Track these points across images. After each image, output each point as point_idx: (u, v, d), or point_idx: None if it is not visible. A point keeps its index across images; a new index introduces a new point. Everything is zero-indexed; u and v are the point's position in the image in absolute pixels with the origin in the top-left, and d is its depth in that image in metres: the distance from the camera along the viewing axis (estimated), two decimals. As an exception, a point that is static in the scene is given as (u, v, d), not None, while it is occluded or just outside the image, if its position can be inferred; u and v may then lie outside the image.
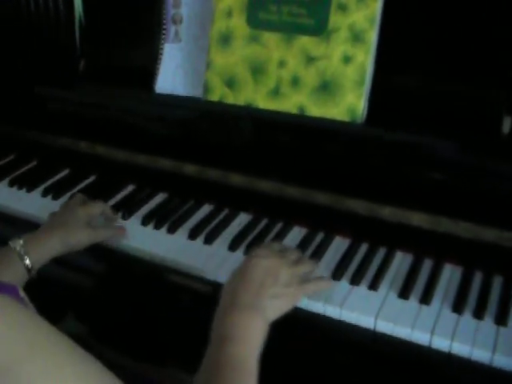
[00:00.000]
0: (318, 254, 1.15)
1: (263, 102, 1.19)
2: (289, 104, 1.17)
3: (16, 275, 1.05)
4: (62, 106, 1.46)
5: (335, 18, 1.12)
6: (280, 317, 0.94)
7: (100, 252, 1.21)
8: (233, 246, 1.18)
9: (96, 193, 1.36)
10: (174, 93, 1.31)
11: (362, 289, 1.06)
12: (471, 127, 1.08)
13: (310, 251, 1.16)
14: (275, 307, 0.93)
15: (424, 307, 1.01)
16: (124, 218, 1.29)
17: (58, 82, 1.45)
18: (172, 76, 1.31)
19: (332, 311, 1.02)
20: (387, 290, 1.06)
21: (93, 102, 1.42)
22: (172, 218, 1.27)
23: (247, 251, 1.16)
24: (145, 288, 1.24)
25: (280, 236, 1.21)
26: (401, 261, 1.13)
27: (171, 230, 1.24)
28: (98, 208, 1.23)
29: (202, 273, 1.13)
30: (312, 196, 1.19)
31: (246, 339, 0.87)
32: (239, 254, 1.17)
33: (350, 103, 1.12)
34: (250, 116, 1.22)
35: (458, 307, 1.00)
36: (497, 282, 1.06)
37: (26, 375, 0.59)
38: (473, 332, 0.95)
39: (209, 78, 1.23)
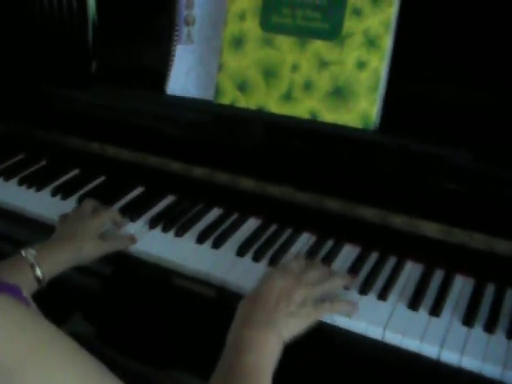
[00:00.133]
0: (326, 262, 1.13)
1: (275, 107, 1.18)
2: (301, 109, 1.15)
3: (26, 284, 1.04)
4: (73, 107, 1.46)
5: (350, 23, 1.10)
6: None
7: (108, 254, 1.19)
8: (241, 252, 1.17)
9: (105, 194, 1.36)
10: (186, 95, 1.30)
11: (371, 298, 1.04)
12: (487, 136, 1.05)
13: (318, 258, 1.14)
14: (290, 326, 0.93)
15: (434, 319, 0.99)
16: (132, 220, 1.28)
17: (69, 83, 1.45)
18: (184, 78, 1.30)
19: (340, 320, 1.00)
20: (396, 301, 1.04)
21: (104, 102, 1.41)
22: (180, 222, 1.26)
23: (255, 257, 1.15)
24: (151, 291, 1.23)
25: (289, 242, 1.19)
26: (411, 271, 1.11)
27: (179, 234, 1.23)
28: (107, 216, 1.23)
29: (208, 278, 1.12)
30: (323, 202, 1.18)
31: (262, 351, 0.88)
32: (247, 260, 1.15)
33: (363, 109, 1.10)
34: (262, 120, 1.21)
35: (468, 320, 0.98)
36: (509, 296, 1.04)
37: (28, 377, 0.58)
38: (483, 346, 0.93)
39: (220, 80, 1.22)
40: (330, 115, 1.13)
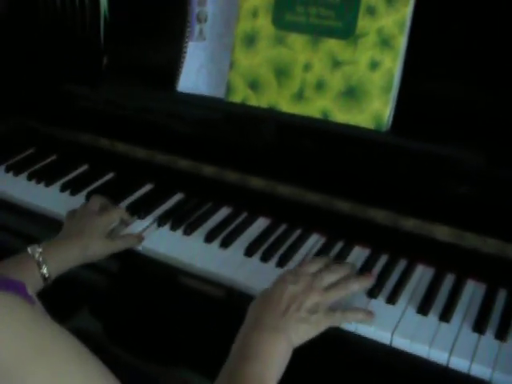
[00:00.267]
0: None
1: (286, 106, 1.16)
2: (313, 108, 1.14)
3: (32, 282, 1.04)
4: (84, 103, 1.45)
5: (363, 22, 1.09)
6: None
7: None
8: (249, 252, 1.16)
9: (113, 191, 1.35)
10: (197, 92, 1.29)
11: (380, 302, 1.03)
12: (502, 139, 1.04)
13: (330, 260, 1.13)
14: (299, 332, 0.92)
15: (443, 325, 0.98)
16: (140, 217, 1.27)
17: (80, 79, 1.44)
18: (195, 75, 1.29)
19: (348, 324, 0.98)
20: (406, 305, 1.02)
21: (115, 99, 1.41)
22: (189, 220, 1.25)
23: (264, 257, 1.14)
24: (158, 289, 1.22)
25: (298, 243, 1.18)
26: (421, 274, 1.10)
27: (187, 232, 1.22)
28: (115, 215, 1.22)
29: (216, 277, 1.11)
30: (333, 203, 1.17)
31: (266, 359, 0.87)
32: (255, 260, 1.14)
33: (376, 110, 1.09)
34: (273, 119, 1.20)
35: (479, 327, 0.96)
36: (521, 302, 1.02)
37: (31, 377, 0.58)
38: (494, 354, 0.91)
39: (232, 78, 1.21)
40: (342, 115, 1.12)
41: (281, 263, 1.12)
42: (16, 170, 1.47)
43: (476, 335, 0.95)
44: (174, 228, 1.23)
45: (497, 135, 1.04)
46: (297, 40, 1.15)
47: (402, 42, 1.07)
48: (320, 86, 1.13)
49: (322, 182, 1.17)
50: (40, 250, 1.07)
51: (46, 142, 1.56)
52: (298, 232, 1.22)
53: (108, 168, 1.46)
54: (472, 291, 1.05)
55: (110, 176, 1.45)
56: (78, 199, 1.35)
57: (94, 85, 1.42)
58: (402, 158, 1.10)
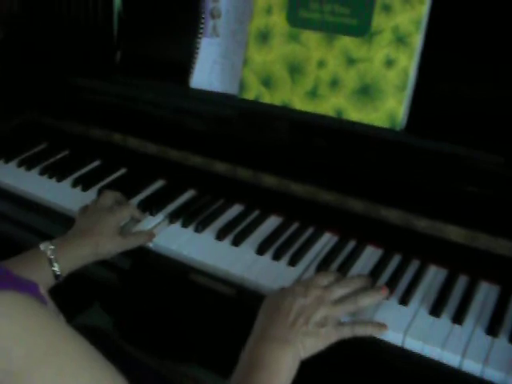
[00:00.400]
0: (348, 263, 1.11)
1: (300, 103, 1.16)
2: (326, 106, 1.13)
3: (43, 279, 1.04)
4: (96, 97, 1.45)
5: (379, 20, 1.08)
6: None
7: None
8: (261, 250, 1.15)
9: (125, 186, 1.35)
10: (210, 88, 1.29)
11: (392, 303, 1.02)
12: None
13: (340, 259, 1.13)
14: (307, 345, 0.91)
15: (456, 327, 0.97)
16: (152, 214, 1.26)
17: (93, 74, 1.44)
18: (208, 71, 1.29)
19: (359, 325, 0.98)
20: (418, 306, 1.01)
21: (127, 94, 1.40)
22: (200, 217, 1.24)
23: (275, 256, 1.13)
24: (169, 286, 1.22)
25: (310, 242, 1.17)
26: (434, 275, 1.09)
27: (199, 229, 1.21)
28: (126, 212, 1.22)
29: (227, 275, 1.11)
30: (346, 202, 1.16)
31: (273, 369, 0.87)
32: (267, 258, 1.14)
33: (390, 109, 1.08)
34: (286, 116, 1.19)
35: (493, 329, 0.95)
36: (536, 305, 1.01)
37: (40, 375, 0.58)
38: (508, 357, 0.90)
39: (245, 75, 1.20)
40: (356, 114, 1.11)
41: (292, 262, 1.12)
42: (28, 164, 1.47)
43: (489, 338, 0.94)
44: (185, 225, 1.23)
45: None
46: (311, 37, 1.14)
47: (417, 40, 1.05)
48: (334, 83, 1.12)
49: (335, 181, 1.16)
50: (52, 247, 1.06)
51: (58, 137, 1.56)
52: (310, 231, 1.21)
53: (120, 163, 1.46)
54: (485, 293, 1.04)
55: (121, 172, 1.45)
56: (90, 195, 1.35)
57: (106, 80, 1.42)
58: (416, 157, 1.08)
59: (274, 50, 1.17)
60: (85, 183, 1.38)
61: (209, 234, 1.20)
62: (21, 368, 0.57)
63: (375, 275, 1.07)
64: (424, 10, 1.04)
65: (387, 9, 1.07)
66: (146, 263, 1.23)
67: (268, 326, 0.93)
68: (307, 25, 1.14)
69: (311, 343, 0.91)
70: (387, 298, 1.02)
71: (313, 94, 1.14)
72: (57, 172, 1.42)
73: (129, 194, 1.32)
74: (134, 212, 1.23)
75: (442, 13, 1.05)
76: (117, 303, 1.73)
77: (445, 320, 0.98)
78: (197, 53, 1.29)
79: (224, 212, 1.27)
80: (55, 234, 1.17)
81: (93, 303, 1.87)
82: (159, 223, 1.24)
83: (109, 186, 1.36)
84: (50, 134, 1.57)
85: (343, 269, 1.09)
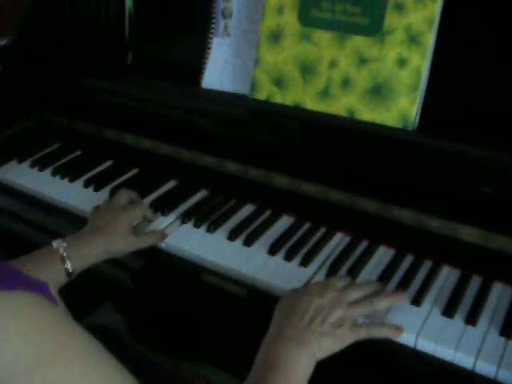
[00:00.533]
0: (360, 263, 1.10)
1: (312, 103, 1.15)
2: (338, 106, 1.13)
3: (55, 277, 1.05)
4: (108, 98, 1.46)
5: (391, 19, 1.07)
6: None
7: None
8: (272, 250, 1.15)
9: (137, 187, 1.35)
10: (221, 89, 1.29)
11: (405, 304, 1.01)
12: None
13: (352, 260, 1.12)
14: (323, 345, 0.91)
15: (469, 328, 0.96)
16: (163, 214, 1.27)
17: (105, 74, 1.44)
18: (220, 71, 1.29)
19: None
20: (431, 307, 1.01)
21: (139, 94, 1.41)
22: (212, 217, 1.24)
23: (287, 256, 1.13)
24: (181, 285, 1.22)
25: (322, 242, 1.17)
26: (447, 276, 1.08)
27: (211, 230, 1.21)
28: (140, 211, 1.22)
29: (239, 275, 1.11)
30: (358, 202, 1.15)
31: (289, 369, 0.86)
32: (279, 259, 1.13)
33: (403, 109, 1.07)
34: (298, 116, 1.19)
35: (506, 331, 0.94)
36: (550, 306, 1.00)
37: (51, 376, 0.58)
38: (522, 359, 0.89)
39: (257, 75, 1.20)
40: (368, 113, 1.10)
41: (304, 262, 1.11)
42: (40, 165, 1.47)
43: (503, 339, 0.93)
44: (197, 225, 1.23)
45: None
46: (323, 37, 1.13)
47: (430, 39, 1.05)
48: (346, 83, 1.12)
49: (347, 181, 1.16)
50: (65, 244, 1.07)
51: (70, 138, 1.56)
52: (322, 231, 1.21)
53: (132, 164, 1.46)
54: (499, 293, 1.03)
55: (133, 172, 1.45)
56: (102, 195, 1.35)
57: (118, 80, 1.42)
58: (428, 157, 1.08)
59: (285, 50, 1.17)
60: (97, 183, 1.38)
61: (221, 234, 1.20)
62: (31, 367, 0.57)
63: (387, 275, 1.07)
64: (436, 8, 1.04)
65: (399, 8, 1.07)
66: (158, 263, 1.23)
67: (284, 325, 0.92)
68: (319, 24, 1.13)
69: (327, 344, 0.91)
70: (401, 302, 1.02)
71: (324, 93, 1.14)
72: (69, 172, 1.43)
73: (141, 194, 1.32)
74: (146, 212, 1.23)
75: (455, 11, 1.04)
76: (128, 303, 1.73)
77: (458, 321, 0.97)
78: (208, 53, 1.29)
79: (236, 212, 1.27)
80: (67, 234, 1.18)
81: (104, 302, 1.87)
82: (171, 223, 1.24)
83: (121, 187, 1.36)
84: (63, 134, 1.57)
85: (355, 269, 1.09)
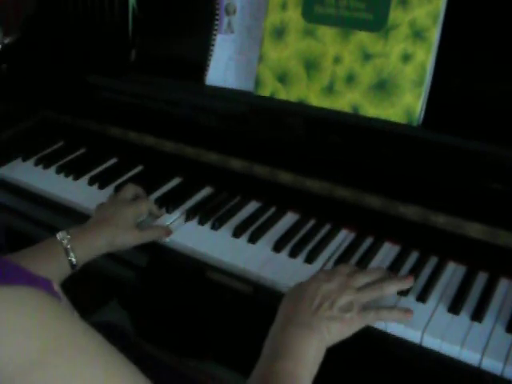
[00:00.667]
0: (365, 260, 1.10)
1: (316, 99, 1.15)
2: (343, 102, 1.12)
3: (59, 269, 1.05)
4: (112, 96, 1.45)
5: (395, 14, 1.07)
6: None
7: (142, 244, 1.19)
8: (277, 247, 1.14)
9: (142, 184, 1.35)
10: (225, 85, 1.28)
11: (410, 300, 1.01)
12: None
13: (357, 256, 1.12)
14: (332, 330, 0.90)
15: (476, 324, 0.95)
16: (168, 211, 1.26)
17: (109, 72, 1.44)
18: (223, 68, 1.28)
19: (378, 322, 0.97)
20: (436, 303, 1.00)
21: (142, 92, 1.40)
22: (217, 214, 1.24)
23: (292, 253, 1.13)
24: (186, 283, 1.22)
25: (327, 238, 1.16)
26: (453, 272, 1.07)
27: (215, 227, 1.21)
28: (145, 206, 1.22)
29: (243, 272, 1.10)
30: (363, 199, 1.15)
31: (298, 357, 0.86)
32: (283, 256, 1.13)
33: (407, 104, 1.06)
34: (302, 113, 1.18)
35: (513, 327, 0.94)
36: (557, 302, 0.99)
37: (55, 371, 0.58)
38: (528, 356, 0.89)
39: (261, 71, 1.20)
40: (373, 109, 1.10)
41: (309, 259, 1.11)
42: (45, 163, 1.47)
43: (510, 336, 0.93)
44: (202, 222, 1.22)
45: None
46: (327, 32, 1.13)
47: (435, 34, 1.04)
48: (350, 79, 1.11)
49: (352, 177, 1.15)
50: (68, 236, 1.07)
51: (74, 136, 1.56)
52: (327, 227, 1.20)
53: (136, 161, 1.46)
54: (505, 290, 1.02)
55: (138, 169, 1.45)
56: (107, 193, 1.35)
57: (122, 78, 1.42)
58: (433, 152, 1.07)
59: (289, 46, 1.16)
60: (101, 181, 1.38)
61: (225, 231, 1.20)
62: (33, 362, 0.56)
63: (393, 272, 1.06)
64: (441, 3, 1.03)
65: (404, 3, 1.06)
66: (163, 260, 1.23)
67: (292, 312, 0.92)
68: (323, 20, 1.13)
69: (336, 328, 0.90)
70: (405, 295, 1.01)
71: (329, 89, 1.13)
72: (73, 170, 1.43)
73: (145, 191, 1.32)
74: (152, 207, 1.24)
75: (460, 6, 1.03)
76: (134, 300, 1.74)
77: (464, 317, 0.97)
78: (212, 50, 1.29)
79: (240, 209, 1.27)
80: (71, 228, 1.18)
81: (110, 300, 1.88)
82: (176, 220, 1.24)
83: (125, 184, 1.37)
84: (67, 132, 1.57)
85: (361, 266, 1.08)
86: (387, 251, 1.13)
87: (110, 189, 1.37)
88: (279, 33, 1.17)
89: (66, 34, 1.57)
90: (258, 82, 1.21)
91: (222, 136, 1.31)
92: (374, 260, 1.11)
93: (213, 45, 1.28)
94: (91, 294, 1.75)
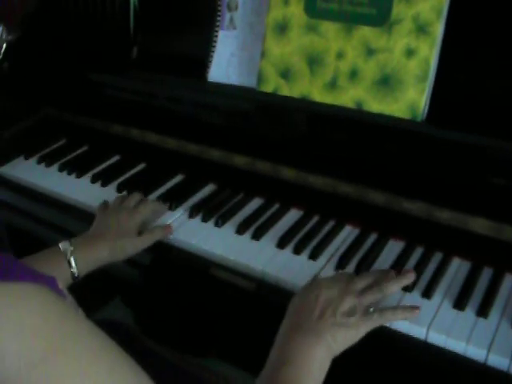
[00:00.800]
0: (369, 256, 1.10)
1: (319, 95, 1.14)
2: (346, 98, 1.12)
3: (60, 278, 1.04)
4: (114, 93, 1.45)
5: (399, 9, 1.06)
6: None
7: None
8: (281, 244, 1.14)
9: (144, 181, 1.35)
10: (227, 82, 1.28)
11: (415, 296, 1.00)
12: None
13: (361, 253, 1.12)
14: (337, 336, 0.89)
15: (481, 320, 0.95)
16: (171, 208, 1.26)
17: (111, 69, 1.43)
18: (226, 64, 1.28)
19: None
20: (441, 299, 1.00)
21: (145, 89, 1.40)
22: (220, 212, 1.24)
23: (296, 249, 1.12)
24: (189, 280, 1.22)
25: (331, 235, 1.16)
26: (458, 268, 1.07)
27: (219, 224, 1.21)
28: (147, 209, 1.21)
29: (247, 269, 1.10)
30: (366, 195, 1.15)
31: (303, 364, 0.85)
32: (287, 252, 1.13)
33: (411, 99, 1.06)
34: (305, 109, 1.18)
35: (518, 323, 0.93)
36: None
37: (59, 368, 0.58)
38: (534, 351, 0.88)
39: (263, 67, 1.19)
40: (376, 105, 1.09)
41: (313, 255, 1.11)
42: (47, 161, 1.47)
43: (516, 332, 0.92)
44: (205, 219, 1.22)
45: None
46: (329, 28, 1.12)
47: (438, 29, 1.03)
48: (353, 74, 1.10)
49: (356, 173, 1.15)
50: (71, 248, 1.07)
51: (76, 133, 1.56)
52: (331, 224, 1.20)
53: (139, 159, 1.46)
54: (511, 286, 1.02)
55: (140, 167, 1.45)
56: (109, 190, 1.35)
57: (124, 75, 1.42)
58: (437, 148, 1.07)
59: (292, 42, 1.15)
60: (104, 179, 1.38)
61: (229, 228, 1.20)
62: (38, 360, 0.56)
63: (397, 268, 1.05)
64: (445, -3, 1.02)
65: (407, -3, 1.05)
66: (166, 258, 1.22)
67: (296, 320, 0.91)
68: (325, 15, 1.12)
69: (341, 335, 0.89)
70: (410, 291, 1.01)
71: (332, 85, 1.13)
72: (76, 168, 1.43)
73: (148, 188, 1.32)
74: (155, 206, 1.23)
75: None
76: (138, 298, 1.74)
77: (469, 313, 0.96)
78: (214, 46, 1.28)
79: (244, 206, 1.27)
80: (75, 230, 1.18)
81: (114, 298, 1.88)
82: (179, 218, 1.24)
83: (128, 181, 1.37)
84: (69, 130, 1.57)
85: (365, 262, 1.08)
86: (392, 247, 1.13)
87: (112, 186, 1.36)
88: (282, 28, 1.16)
89: (68, 32, 1.56)
90: (260, 78, 1.20)
91: (225, 132, 1.30)
92: (379, 256, 1.11)
93: (215, 41, 1.28)
94: (95, 291, 1.74)
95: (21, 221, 1.42)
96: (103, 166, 1.45)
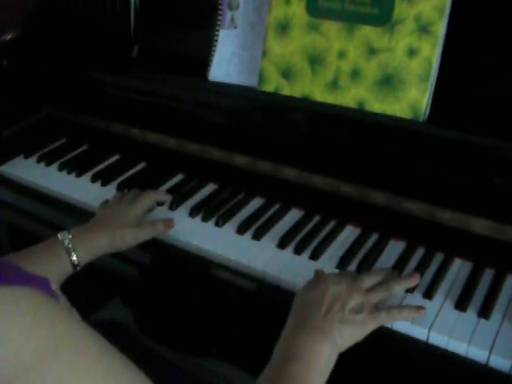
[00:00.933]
0: (370, 257, 1.09)
1: (320, 95, 1.14)
2: (347, 98, 1.11)
3: (60, 268, 1.04)
4: (115, 92, 1.45)
5: (401, 8, 1.06)
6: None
7: (146, 242, 1.18)
8: (282, 243, 1.14)
9: (145, 181, 1.34)
10: (228, 81, 1.27)
11: (417, 297, 1.00)
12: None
13: (362, 253, 1.11)
14: (344, 333, 0.89)
15: (482, 321, 0.95)
16: (171, 208, 1.26)
17: (111, 68, 1.43)
18: (227, 64, 1.27)
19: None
20: (443, 300, 1.00)
21: (145, 88, 1.40)
22: (220, 211, 1.23)
23: (297, 249, 1.12)
24: (189, 280, 1.22)
25: (332, 235, 1.16)
26: (459, 269, 1.07)
27: (219, 224, 1.20)
28: (148, 200, 1.21)
29: (248, 269, 1.10)
30: (368, 195, 1.14)
31: (308, 359, 0.84)
32: (288, 252, 1.12)
33: (413, 99, 1.05)
34: (306, 108, 1.17)
35: (520, 324, 0.93)
36: None
37: (52, 373, 0.57)
38: (536, 353, 0.88)
39: (264, 67, 1.19)
40: (378, 105, 1.09)
41: (314, 256, 1.10)
42: (47, 160, 1.46)
43: (517, 333, 0.92)
44: (205, 219, 1.22)
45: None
46: (331, 27, 1.12)
47: (441, 29, 1.03)
48: (355, 74, 1.10)
49: (357, 173, 1.15)
50: (70, 236, 1.06)
51: (76, 132, 1.55)
52: (332, 224, 1.20)
53: (139, 158, 1.45)
54: (513, 287, 1.02)
55: (141, 166, 1.44)
56: (109, 189, 1.34)
57: (124, 74, 1.41)
58: (439, 148, 1.06)
59: (293, 41, 1.15)
60: (104, 178, 1.38)
61: (229, 228, 1.19)
62: (31, 364, 0.55)
63: (398, 269, 1.06)
64: (447, -4, 1.02)
65: (409, -3, 1.05)
66: (166, 257, 1.22)
67: (302, 316, 0.90)
68: (327, 15, 1.12)
69: (348, 331, 0.89)
70: (412, 292, 1.00)
71: (333, 85, 1.12)
72: (76, 167, 1.42)
73: (148, 188, 1.31)
74: (157, 196, 1.23)
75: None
76: (137, 297, 1.73)
77: (471, 314, 0.96)
78: (215, 45, 1.28)
79: (244, 206, 1.26)
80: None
81: (113, 297, 1.87)
82: (179, 217, 1.23)
83: (128, 181, 1.36)
84: (69, 129, 1.57)
85: (366, 262, 1.08)
86: (393, 247, 1.13)
87: (112, 185, 1.36)
88: (283, 28, 1.16)
89: (68, 30, 1.56)
90: (261, 78, 1.20)
91: (226, 132, 1.30)
92: (380, 257, 1.10)
93: (216, 40, 1.28)
94: (94, 291, 1.74)
95: (20, 220, 1.42)
96: (103, 165, 1.45)
